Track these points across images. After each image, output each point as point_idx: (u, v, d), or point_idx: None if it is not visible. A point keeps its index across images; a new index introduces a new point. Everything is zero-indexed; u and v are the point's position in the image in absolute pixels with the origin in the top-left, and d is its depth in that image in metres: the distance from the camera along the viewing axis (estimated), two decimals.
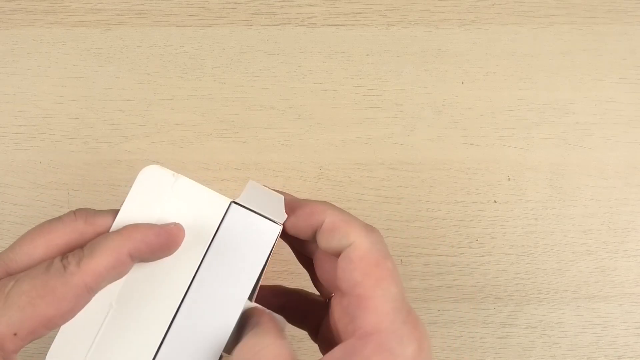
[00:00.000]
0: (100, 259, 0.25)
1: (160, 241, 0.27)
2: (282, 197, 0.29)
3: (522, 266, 0.43)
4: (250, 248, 0.28)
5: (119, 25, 0.45)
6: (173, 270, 0.28)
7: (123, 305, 0.28)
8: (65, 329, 0.27)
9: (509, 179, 0.44)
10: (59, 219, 0.27)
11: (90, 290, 0.26)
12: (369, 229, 0.27)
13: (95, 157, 0.44)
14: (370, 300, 0.25)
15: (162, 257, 0.28)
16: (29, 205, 0.44)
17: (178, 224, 0.28)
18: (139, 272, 0.28)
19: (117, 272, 0.26)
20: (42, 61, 0.45)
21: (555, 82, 0.45)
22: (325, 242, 0.27)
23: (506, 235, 0.43)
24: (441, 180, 0.44)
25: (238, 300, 0.28)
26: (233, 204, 0.29)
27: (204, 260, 0.28)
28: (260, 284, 0.29)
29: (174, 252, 0.28)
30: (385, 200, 0.44)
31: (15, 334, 0.24)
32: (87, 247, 0.26)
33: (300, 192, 0.44)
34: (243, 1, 0.45)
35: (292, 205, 0.29)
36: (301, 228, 0.28)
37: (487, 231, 0.43)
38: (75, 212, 0.27)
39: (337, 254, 0.27)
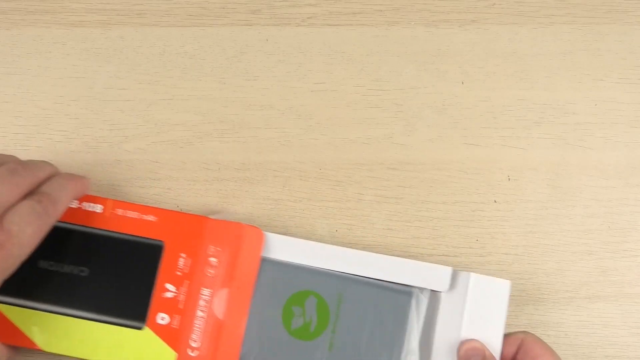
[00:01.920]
0: (64, 205, 0.36)
1: (84, 193, 0.39)
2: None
3: (522, 266, 0.43)
4: (491, 304, 0.39)
5: (119, 25, 0.45)
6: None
7: None
8: None
9: (509, 179, 0.44)
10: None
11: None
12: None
13: (95, 157, 0.44)
14: None
15: None
16: None
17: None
18: None
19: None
20: (42, 61, 0.45)
21: (555, 82, 0.45)
22: None
23: (506, 235, 0.43)
24: (441, 180, 0.44)
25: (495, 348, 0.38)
26: (472, 274, 0.39)
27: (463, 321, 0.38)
28: None
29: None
30: (385, 200, 0.44)
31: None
32: (53, 194, 0.35)
33: (300, 192, 0.44)
34: (243, 1, 0.45)
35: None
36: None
37: (487, 231, 0.43)
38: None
39: None
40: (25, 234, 0.32)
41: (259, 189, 0.44)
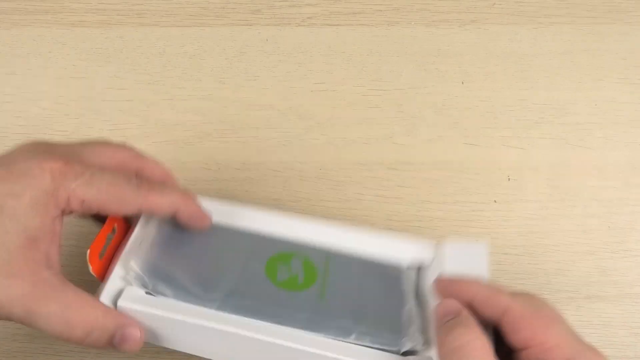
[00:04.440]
0: (162, 202, 0.32)
1: (192, 219, 0.34)
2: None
3: (522, 266, 0.43)
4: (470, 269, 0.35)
5: (119, 25, 0.45)
6: None
7: None
8: None
9: (509, 179, 0.44)
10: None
11: (141, 214, 0.34)
12: (516, 294, 0.32)
13: None
14: (550, 337, 0.32)
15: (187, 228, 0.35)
16: None
17: (208, 214, 0.35)
18: None
19: (160, 214, 0.33)
20: (42, 61, 0.45)
21: (555, 82, 0.45)
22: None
23: (506, 235, 0.43)
24: (441, 180, 0.44)
25: None
26: (447, 243, 0.36)
27: None
28: None
29: (198, 229, 0.35)
30: (385, 200, 0.44)
31: (83, 201, 0.30)
32: (158, 185, 0.33)
33: (300, 192, 0.44)
34: (243, 1, 0.45)
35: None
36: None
37: (487, 231, 0.43)
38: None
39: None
40: (103, 184, 0.30)
41: (259, 189, 0.44)
